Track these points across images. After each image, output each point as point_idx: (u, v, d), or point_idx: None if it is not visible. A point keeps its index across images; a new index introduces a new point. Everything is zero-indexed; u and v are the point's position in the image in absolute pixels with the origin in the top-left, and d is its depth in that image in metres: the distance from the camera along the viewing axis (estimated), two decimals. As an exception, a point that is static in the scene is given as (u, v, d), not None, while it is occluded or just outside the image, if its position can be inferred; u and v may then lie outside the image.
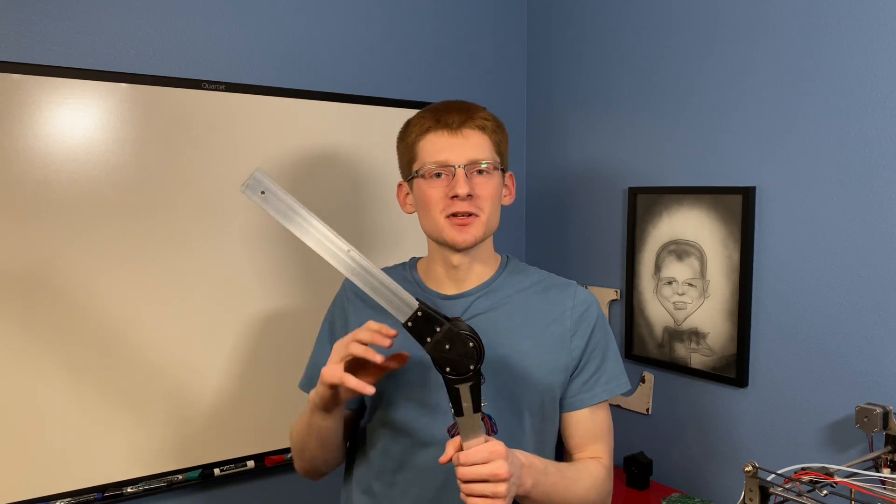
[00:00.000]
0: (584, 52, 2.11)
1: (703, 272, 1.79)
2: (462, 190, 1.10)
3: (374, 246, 1.97)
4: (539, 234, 2.30)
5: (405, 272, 1.27)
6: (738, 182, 1.72)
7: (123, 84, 1.58)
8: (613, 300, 2.05)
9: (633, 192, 1.95)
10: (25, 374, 1.51)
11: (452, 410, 0.93)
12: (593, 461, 1.20)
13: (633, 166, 1.97)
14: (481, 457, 0.92)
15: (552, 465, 1.09)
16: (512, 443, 1.15)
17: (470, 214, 1.13)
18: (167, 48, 1.65)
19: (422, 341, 0.91)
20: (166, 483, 1.67)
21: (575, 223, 2.17)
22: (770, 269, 1.66)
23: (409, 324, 0.91)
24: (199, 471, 1.72)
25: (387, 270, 1.29)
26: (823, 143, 1.55)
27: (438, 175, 1.13)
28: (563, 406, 1.21)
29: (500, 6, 2.23)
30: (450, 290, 1.21)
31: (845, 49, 1.51)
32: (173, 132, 1.64)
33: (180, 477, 1.69)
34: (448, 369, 0.90)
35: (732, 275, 1.72)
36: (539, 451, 1.18)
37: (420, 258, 1.29)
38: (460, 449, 0.95)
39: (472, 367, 0.90)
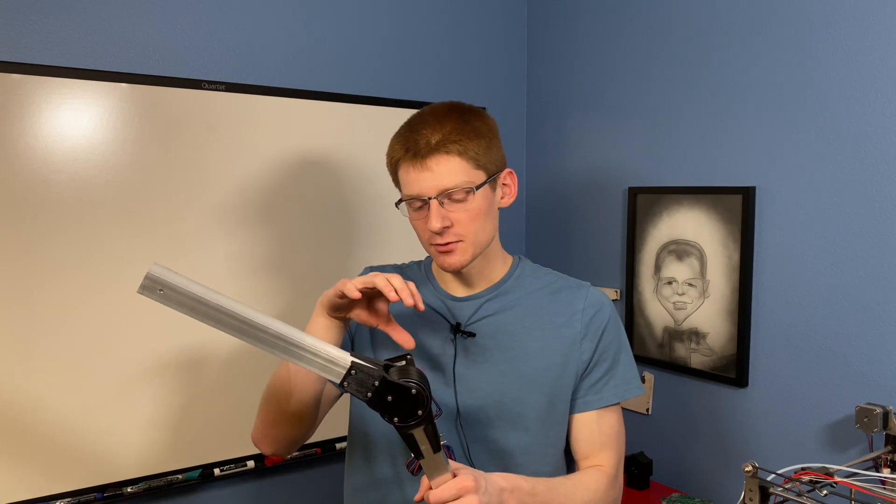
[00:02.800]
0: (584, 53, 2.11)
1: (703, 272, 1.79)
2: (435, 225, 1.08)
3: (373, 244, 1.97)
4: (539, 234, 2.30)
5: (421, 272, 1.26)
6: (738, 182, 1.72)
7: (123, 84, 1.58)
8: (613, 300, 2.05)
9: (633, 193, 1.95)
10: (25, 374, 1.51)
11: (412, 455, 0.90)
12: (594, 470, 1.16)
13: (633, 167, 1.97)
14: (450, 494, 0.90)
15: (541, 484, 1.06)
16: (515, 446, 1.14)
17: (452, 242, 1.11)
18: (167, 48, 1.65)
19: (362, 397, 0.86)
20: (166, 483, 1.67)
21: (575, 223, 2.17)
22: (770, 269, 1.66)
23: (346, 383, 0.86)
24: (199, 471, 1.72)
25: (404, 267, 1.29)
26: (823, 143, 1.55)
27: (419, 206, 1.11)
28: (570, 407, 1.18)
29: (500, 7, 2.23)
30: (460, 292, 1.20)
31: (845, 49, 1.51)
32: (173, 132, 1.64)
33: (180, 477, 1.69)
34: (396, 419, 0.87)
35: (732, 275, 1.72)
36: (543, 456, 1.16)
37: None
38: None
39: (419, 413, 0.87)
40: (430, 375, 1.12)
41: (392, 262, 1.32)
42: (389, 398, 0.86)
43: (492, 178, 1.14)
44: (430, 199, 1.08)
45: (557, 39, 2.20)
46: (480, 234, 1.13)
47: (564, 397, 1.17)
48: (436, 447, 0.89)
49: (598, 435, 1.18)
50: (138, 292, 0.79)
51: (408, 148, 1.10)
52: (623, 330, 1.22)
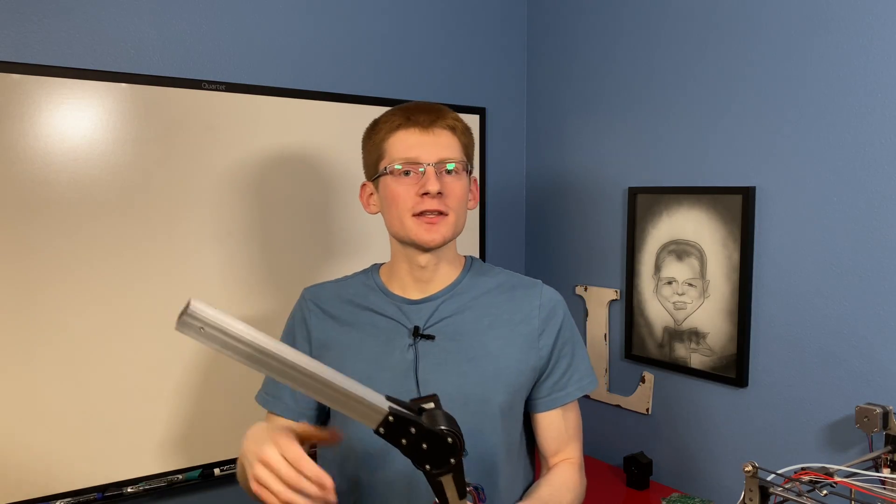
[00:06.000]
0: (584, 53, 2.11)
1: (702, 272, 1.79)
2: (433, 187, 1.08)
3: (375, 244, 1.97)
4: (539, 234, 2.30)
5: (367, 279, 1.24)
6: (738, 182, 1.72)
7: (123, 84, 1.58)
8: (613, 300, 2.05)
9: (633, 192, 1.95)
10: (25, 374, 1.51)
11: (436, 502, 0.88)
12: (566, 465, 1.19)
13: (633, 166, 1.97)
14: None
15: (535, 501, 1.08)
16: (483, 449, 1.12)
17: (439, 213, 1.11)
18: (167, 48, 1.65)
19: (396, 444, 0.84)
20: (166, 483, 1.67)
21: (575, 223, 2.17)
22: (770, 269, 1.66)
23: (381, 430, 0.84)
24: (199, 471, 1.72)
25: (349, 279, 1.27)
26: (823, 143, 1.55)
27: (407, 173, 1.11)
28: (535, 407, 1.20)
29: (500, 6, 2.23)
30: (415, 294, 1.19)
31: (845, 49, 1.51)
32: (173, 132, 1.64)
33: (180, 477, 1.69)
34: (428, 466, 0.85)
35: (732, 275, 1.72)
36: (509, 455, 1.17)
37: (383, 264, 1.27)
38: None
39: (451, 461, 0.85)
40: (392, 384, 1.11)
41: (347, 274, 1.31)
42: (424, 446, 0.84)
43: (471, 173, 1.19)
44: (427, 164, 1.10)
45: (557, 40, 2.20)
46: (460, 217, 1.15)
47: (523, 395, 1.18)
48: (462, 493, 0.88)
49: (564, 431, 1.20)
50: (176, 329, 0.76)
51: (409, 117, 1.13)
52: (575, 325, 1.24)
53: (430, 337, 1.14)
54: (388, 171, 1.13)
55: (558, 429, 1.20)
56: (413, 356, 1.13)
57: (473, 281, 1.21)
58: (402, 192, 1.12)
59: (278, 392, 1.21)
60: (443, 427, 0.85)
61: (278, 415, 1.21)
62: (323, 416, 1.24)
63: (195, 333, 0.77)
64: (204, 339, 0.77)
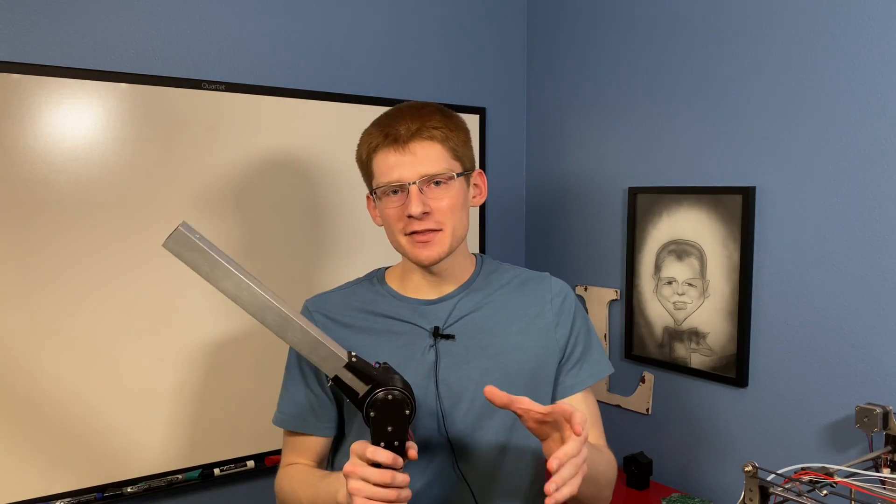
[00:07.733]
0: (584, 53, 2.11)
1: (702, 272, 1.79)
2: (415, 210, 1.07)
3: (378, 244, 1.97)
4: (539, 234, 2.30)
5: (375, 286, 1.23)
6: (737, 182, 1.72)
7: (123, 84, 1.58)
8: (613, 300, 2.05)
9: (633, 192, 1.95)
10: (25, 374, 1.51)
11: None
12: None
13: (633, 166, 1.97)
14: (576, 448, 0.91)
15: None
16: (505, 443, 1.13)
17: (431, 230, 1.10)
18: (167, 48, 1.65)
19: (351, 397, 0.92)
20: (166, 483, 1.67)
21: (575, 223, 2.17)
22: (770, 269, 1.66)
23: (331, 382, 0.92)
24: (199, 471, 1.72)
25: (352, 287, 1.25)
26: (823, 143, 1.55)
27: (395, 191, 1.10)
28: (554, 394, 1.20)
29: (500, 6, 2.23)
30: (430, 294, 1.18)
31: (845, 49, 1.51)
32: (173, 132, 1.65)
33: (180, 477, 1.69)
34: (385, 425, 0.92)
35: (732, 275, 1.72)
36: (526, 446, 1.17)
37: (388, 268, 1.26)
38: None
39: (407, 412, 0.92)
40: (414, 386, 1.11)
41: (355, 278, 1.29)
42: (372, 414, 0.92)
43: (467, 173, 1.16)
44: (410, 184, 1.08)
45: (557, 39, 2.20)
46: (458, 225, 1.13)
47: (546, 387, 1.18)
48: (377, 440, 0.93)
49: (587, 415, 1.19)
50: (163, 245, 0.85)
51: (387, 134, 1.10)
52: (586, 313, 1.26)
53: (451, 336, 1.14)
54: (377, 193, 1.13)
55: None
56: (434, 358, 1.13)
57: (487, 278, 1.22)
58: (392, 213, 1.11)
59: (299, 411, 1.20)
60: (387, 391, 0.92)
61: (305, 434, 1.20)
62: (339, 429, 1.24)
63: (180, 249, 0.85)
64: (186, 259, 0.85)
